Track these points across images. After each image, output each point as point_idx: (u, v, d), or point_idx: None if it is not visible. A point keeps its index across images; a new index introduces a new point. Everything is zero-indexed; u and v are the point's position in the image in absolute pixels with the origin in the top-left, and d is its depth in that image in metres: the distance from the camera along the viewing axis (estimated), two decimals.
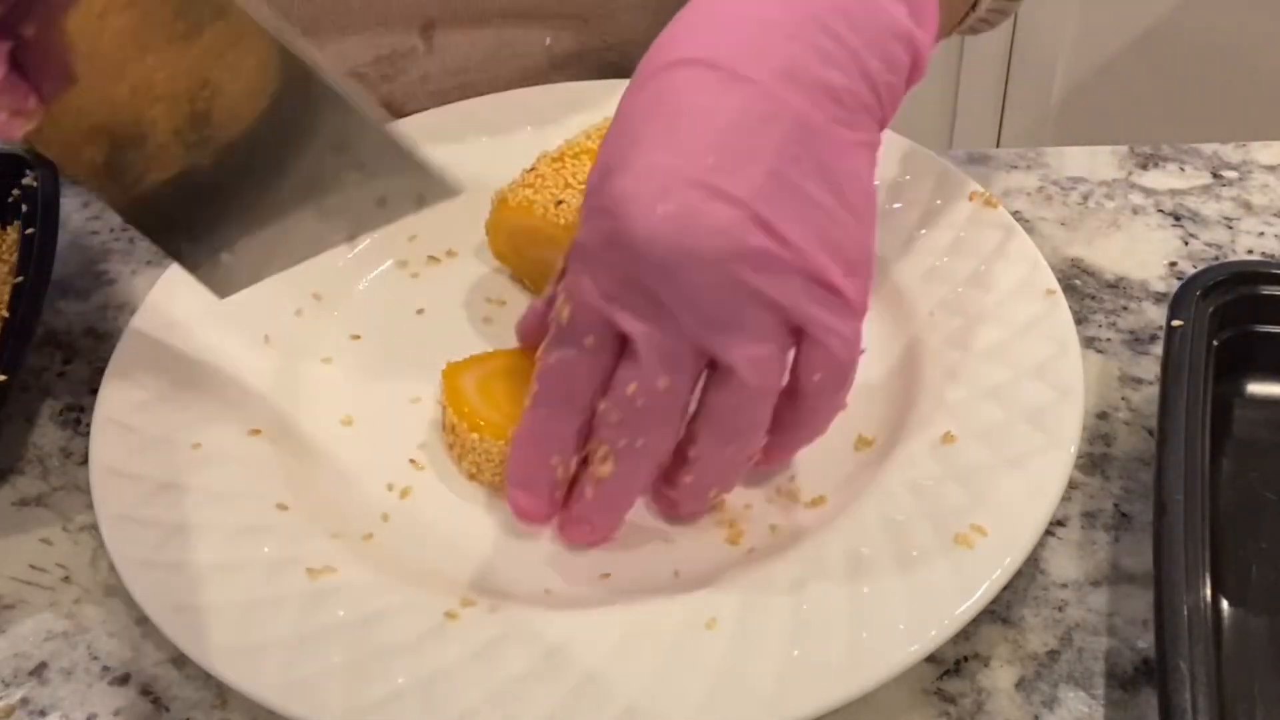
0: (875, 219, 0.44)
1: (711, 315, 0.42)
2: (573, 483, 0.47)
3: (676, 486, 0.47)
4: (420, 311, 0.60)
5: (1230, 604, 0.47)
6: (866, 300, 0.44)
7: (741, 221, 0.40)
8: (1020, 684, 0.46)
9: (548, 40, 0.69)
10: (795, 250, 0.41)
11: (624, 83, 0.45)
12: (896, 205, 0.60)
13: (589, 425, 0.46)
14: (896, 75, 0.44)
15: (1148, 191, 0.67)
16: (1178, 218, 0.65)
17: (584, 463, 0.47)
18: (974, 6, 0.58)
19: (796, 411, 0.45)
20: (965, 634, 0.47)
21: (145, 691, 0.48)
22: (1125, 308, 0.60)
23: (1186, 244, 0.64)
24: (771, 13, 0.42)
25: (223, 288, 0.52)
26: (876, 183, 0.45)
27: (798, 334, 0.43)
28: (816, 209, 0.42)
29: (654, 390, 0.43)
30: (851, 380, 0.46)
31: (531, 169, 0.58)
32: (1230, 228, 0.64)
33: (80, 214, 0.69)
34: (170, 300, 0.57)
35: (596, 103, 0.67)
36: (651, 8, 0.70)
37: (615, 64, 0.72)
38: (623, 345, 0.44)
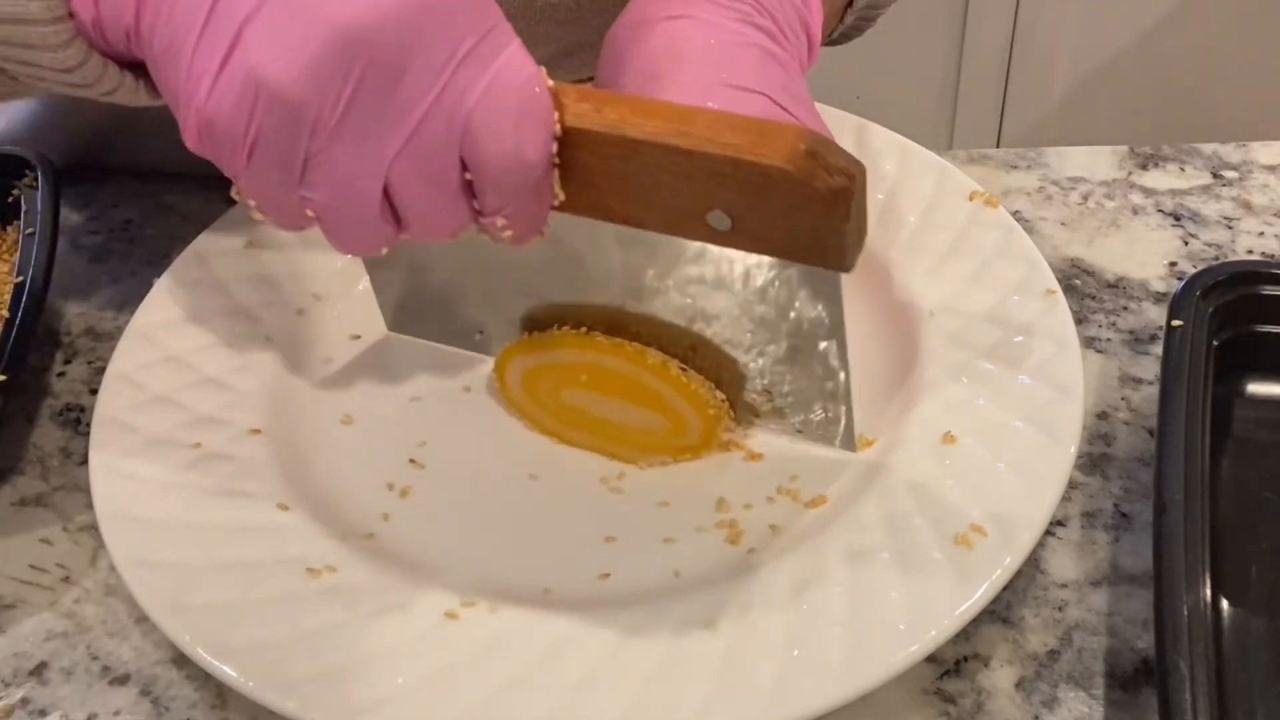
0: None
1: None
2: None
3: None
4: None
5: (1230, 604, 0.47)
6: None
7: (767, 102, 0.48)
8: (1020, 684, 0.46)
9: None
10: (807, 122, 0.48)
11: None
12: (896, 204, 0.60)
13: None
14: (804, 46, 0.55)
15: (1148, 191, 0.67)
16: (1178, 218, 0.65)
17: None
18: (842, 17, 0.64)
19: None
20: (965, 634, 0.47)
21: (145, 691, 0.48)
22: (1125, 308, 0.60)
23: (1186, 244, 0.64)
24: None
25: (403, 325, 0.58)
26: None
27: None
28: (810, 111, 0.50)
29: None
30: None
31: None
32: (1230, 228, 0.64)
33: (80, 214, 0.69)
34: (170, 300, 0.57)
35: None
36: None
37: None
38: None
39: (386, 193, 0.42)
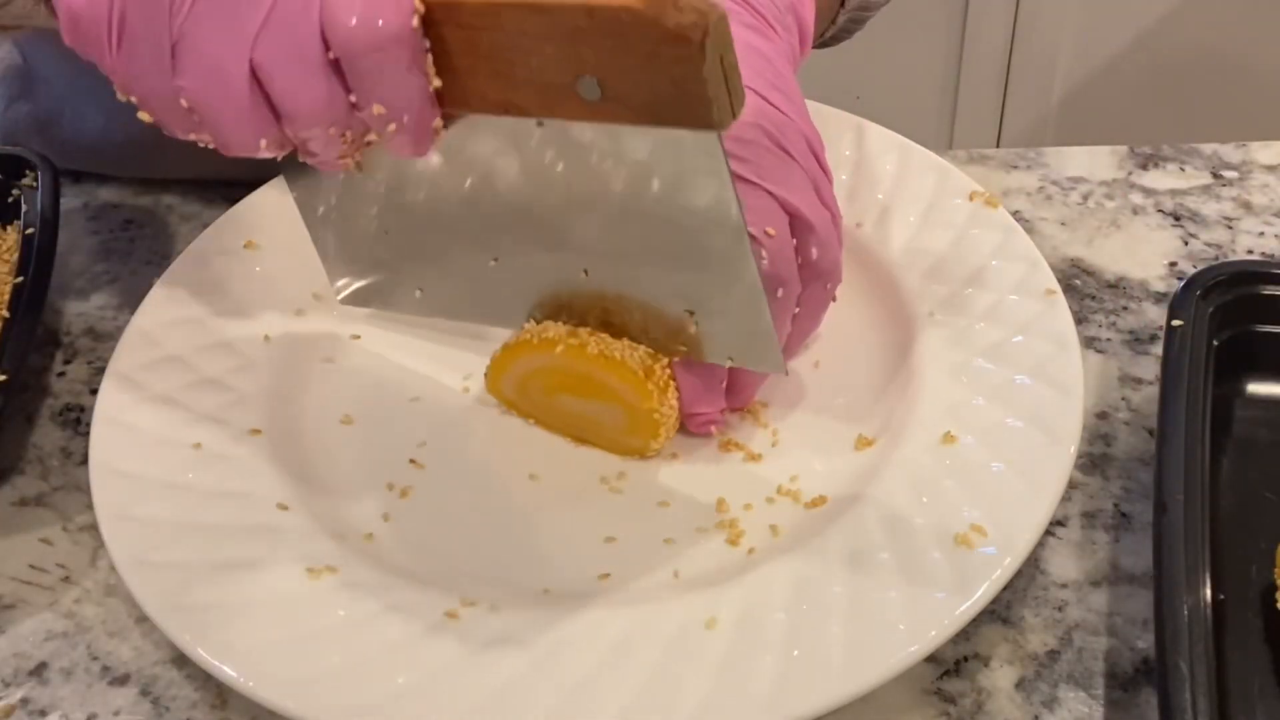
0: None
1: (770, 170, 0.49)
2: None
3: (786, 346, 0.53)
4: None
5: (1230, 604, 0.46)
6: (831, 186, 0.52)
7: (753, 96, 0.48)
8: (1020, 684, 0.46)
9: None
10: (799, 120, 0.50)
11: None
12: (896, 204, 0.60)
13: None
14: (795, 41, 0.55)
15: (1148, 191, 0.67)
16: (1178, 218, 0.65)
17: None
18: (834, 18, 0.64)
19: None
20: (965, 634, 0.47)
21: (145, 691, 0.48)
22: (1125, 308, 0.60)
23: (1186, 244, 0.64)
24: None
25: (353, 297, 0.58)
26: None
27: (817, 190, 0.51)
28: (798, 104, 0.51)
29: (768, 238, 0.49)
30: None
31: None
32: (1230, 228, 0.64)
33: (80, 214, 0.69)
34: (170, 300, 0.57)
35: None
36: None
37: None
38: None
39: (257, 79, 0.42)
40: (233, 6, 0.41)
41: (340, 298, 0.58)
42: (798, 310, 0.52)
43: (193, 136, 0.44)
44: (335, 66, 0.42)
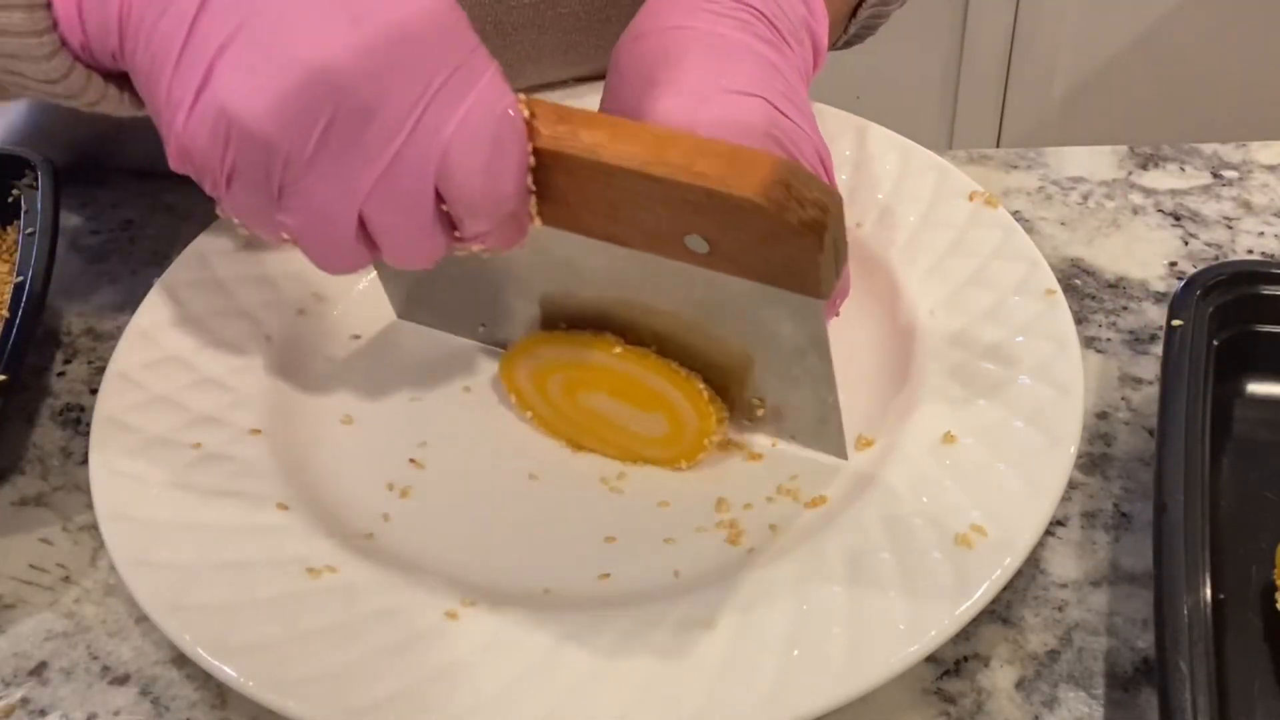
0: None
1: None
2: None
3: None
4: None
5: (1230, 604, 0.46)
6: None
7: (765, 105, 0.49)
8: (1020, 684, 0.46)
9: None
10: (809, 130, 0.50)
11: None
12: (896, 205, 0.60)
13: None
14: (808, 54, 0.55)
15: (1148, 191, 0.67)
16: (1178, 218, 0.65)
17: None
18: (847, 26, 0.65)
19: None
20: (965, 634, 0.47)
21: (145, 691, 0.48)
22: (1125, 308, 0.60)
23: (1186, 244, 0.64)
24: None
25: (411, 314, 0.58)
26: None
27: None
28: (807, 116, 0.51)
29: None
30: None
31: None
32: (1230, 228, 0.64)
33: (80, 214, 0.69)
34: (170, 300, 0.57)
35: None
36: None
37: None
38: None
39: (362, 221, 0.42)
40: (347, 163, 0.41)
41: (399, 316, 0.59)
42: None
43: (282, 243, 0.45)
44: (444, 214, 0.43)
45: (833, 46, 0.64)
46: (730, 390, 0.52)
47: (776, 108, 0.49)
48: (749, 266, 0.44)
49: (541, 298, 0.53)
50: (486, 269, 0.52)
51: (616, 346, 0.51)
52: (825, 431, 0.51)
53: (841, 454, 0.51)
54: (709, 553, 0.49)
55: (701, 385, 0.51)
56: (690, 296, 0.48)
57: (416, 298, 0.57)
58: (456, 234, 0.44)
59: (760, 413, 0.52)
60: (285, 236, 0.43)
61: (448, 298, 0.56)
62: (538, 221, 0.45)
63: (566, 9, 0.65)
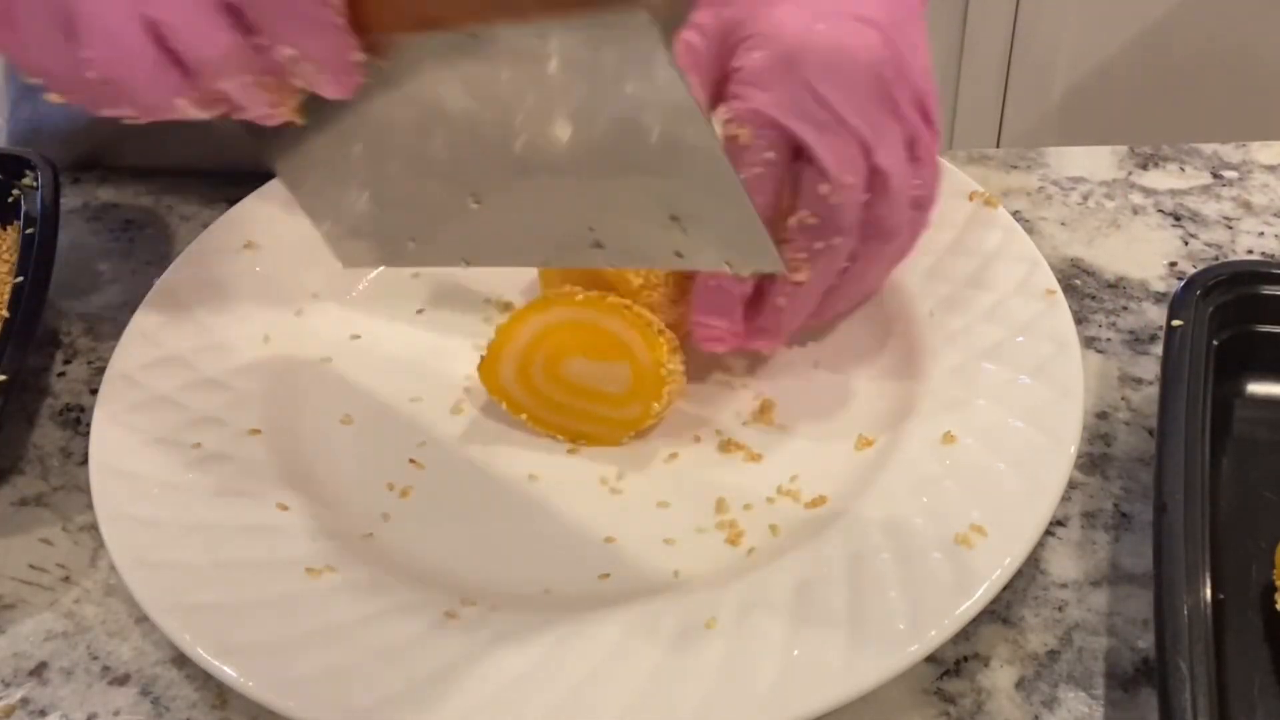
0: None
1: (870, 120, 0.48)
2: (752, 301, 0.51)
3: (830, 299, 0.52)
4: (420, 311, 0.60)
5: (1230, 604, 0.46)
6: (938, 141, 0.51)
7: (882, 39, 0.48)
8: (1020, 684, 0.46)
9: None
10: (915, 74, 0.49)
11: None
12: None
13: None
14: None
15: (1148, 191, 0.67)
16: (1178, 218, 0.65)
17: (766, 279, 0.51)
18: None
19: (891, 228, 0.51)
20: (965, 634, 0.47)
21: (145, 691, 0.48)
22: (1125, 308, 0.60)
23: (1186, 244, 0.64)
24: None
25: (353, 259, 0.54)
26: None
27: (910, 147, 0.50)
28: (919, 54, 0.50)
29: (844, 187, 0.48)
30: (933, 202, 0.52)
31: None
32: (1230, 228, 0.64)
33: (80, 214, 0.69)
34: (170, 300, 0.57)
35: None
36: None
37: None
38: (795, 160, 0.49)
39: (159, 37, 0.41)
40: None
41: (343, 264, 0.56)
42: (848, 266, 0.51)
43: (111, 111, 0.43)
44: (232, 9, 0.41)
45: None
46: (668, 244, 0.49)
47: (891, 41, 0.48)
48: None
49: (448, 187, 0.50)
50: (381, 163, 0.51)
51: (578, 294, 0.51)
52: (745, 233, 0.47)
53: (777, 264, 0.48)
54: (709, 553, 0.49)
55: (652, 318, 0.51)
56: (559, 106, 0.46)
57: (342, 224, 0.54)
58: (260, 42, 0.42)
59: (682, 237, 0.48)
60: (92, 77, 0.42)
61: (366, 211, 0.53)
62: (340, 14, 0.43)
63: None
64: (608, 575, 0.48)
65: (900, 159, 0.49)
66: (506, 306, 0.60)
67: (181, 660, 0.48)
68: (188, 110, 0.43)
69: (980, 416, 0.50)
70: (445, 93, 0.47)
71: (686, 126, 0.45)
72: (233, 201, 0.62)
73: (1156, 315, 0.60)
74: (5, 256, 0.61)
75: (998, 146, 1.29)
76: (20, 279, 0.57)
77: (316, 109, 0.46)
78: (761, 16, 0.48)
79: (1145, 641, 0.47)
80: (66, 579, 0.52)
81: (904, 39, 0.49)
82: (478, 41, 0.45)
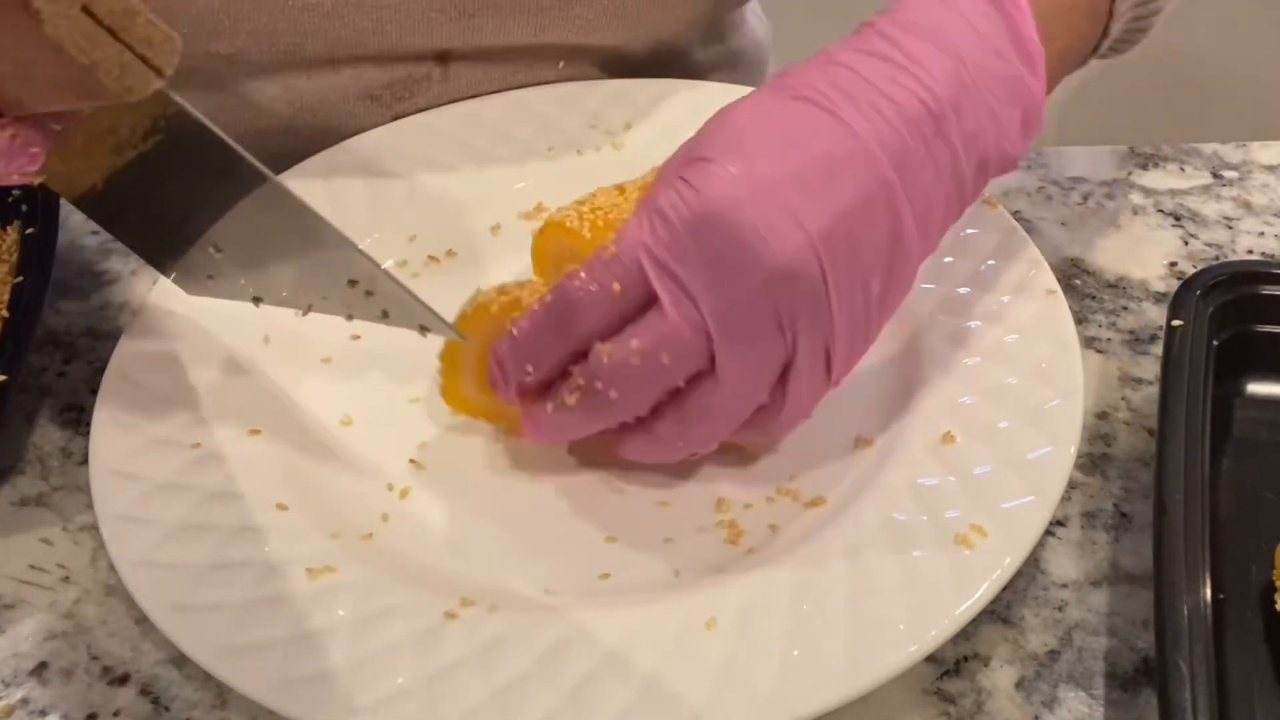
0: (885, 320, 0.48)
1: (739, 318, 0.44)
2: (544, 386, 0.49)
3: (624, 440, 0.49)
4: None
5: (1230, 604, 0.46)
6: (841, 381, 0.48)
7: (806, 253, 0.44)
8: (1020, 684, 0.46)
9: (560, 64, 0.70)
10: (830, 308, 0.45)
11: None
12: None
13: (577, 354, 0.47)
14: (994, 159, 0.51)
15: (1148, 191, 0.67)
16: (1178, 218, 0.65)
17: (561, 375, 0.48)
18: (1105, 33, 0.58)
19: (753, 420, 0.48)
20: (965, 634, 0.47)
21: (145, 691, 0.48)
22: (1125, 308, 0.60)
23: (1186, 244, 0.64)
24: (895, 91, 0.46)
25: (193, 288, 0.54)
26: None
27: (784, 374, 0.46)
28: (859, 288, 0.45)
29: (653, 359, 0.45)
30: (789, 429, 0.50)
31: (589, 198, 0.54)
32: (1230, 228, 0.64)
33: (80, 214, 0.69)
34: (170, 300, 0.57)
35: (600, 106, 0.67)
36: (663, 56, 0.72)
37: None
38: (644, 308, 0.45)
39: None
40: None
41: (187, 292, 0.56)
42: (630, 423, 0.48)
43: None
44: None
45: (1097, 54, 0.59)
46: None
47: (821, 265, 0.44)
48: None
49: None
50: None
51: (493, 304, 0.50)
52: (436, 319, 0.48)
53: (455, 335, 0.49)
54: (709, 553, 0.49)
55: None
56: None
57: (167, 258, 0.54)
58: None
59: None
60: None
61: (173, 236, 0.52)
62: None
63: None
64: (608, 575, 0.48)
65: (757, 380, 0.45)
66: None
67: (181, 660, 0.48)
68: None
69: (980, 416, 0.50)
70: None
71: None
72: None
73: (1156, 315, 0.60)
74: (5, 256, 0.61)
75: None
76: (20, 279, 0.57)
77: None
78: (718, 164, 0.44)
79: (1145, 641, 0.47)
80: (66, 579, 0.52)
81: (837, 263, 0.44)
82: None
